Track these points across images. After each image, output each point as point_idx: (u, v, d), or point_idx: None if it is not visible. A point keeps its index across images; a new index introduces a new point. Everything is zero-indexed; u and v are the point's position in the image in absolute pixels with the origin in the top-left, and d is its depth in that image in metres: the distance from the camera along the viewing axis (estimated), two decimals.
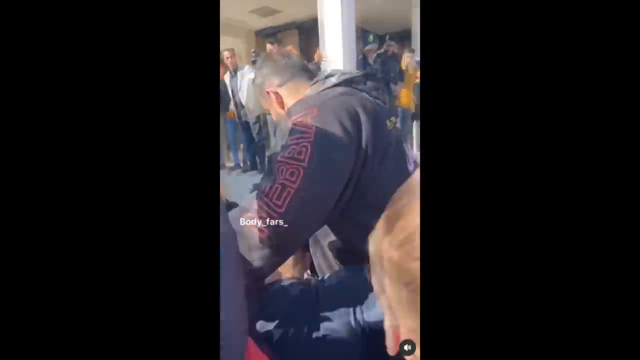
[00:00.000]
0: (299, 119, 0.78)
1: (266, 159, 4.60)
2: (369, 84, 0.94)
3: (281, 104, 0.98)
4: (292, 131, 0.78)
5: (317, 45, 4.71)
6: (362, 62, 4.77)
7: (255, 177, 4.25)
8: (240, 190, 3.10)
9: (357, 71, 0.99)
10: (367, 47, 4.84)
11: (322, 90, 0.89)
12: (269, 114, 1.06)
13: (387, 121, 0.90)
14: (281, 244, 0.74)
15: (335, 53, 4.58)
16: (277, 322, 0.72)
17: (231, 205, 0.90)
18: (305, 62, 1.06)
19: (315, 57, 4.33)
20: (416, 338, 0.26)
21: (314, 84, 0.94)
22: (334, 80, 0.91)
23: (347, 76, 0.92)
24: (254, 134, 4.65)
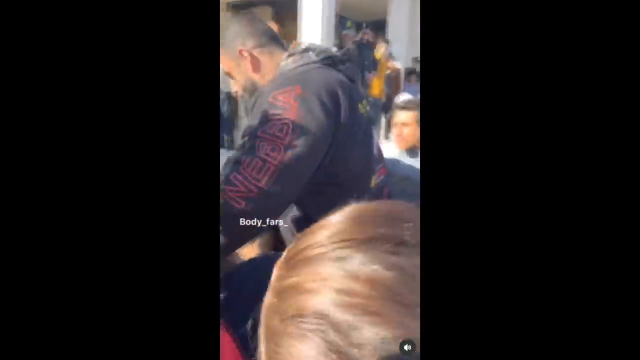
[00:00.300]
0: (282, 95, 0.78)
1: (233, 135, 4.50)
2: (348, 65, 0.94)
3: (256, 67, 0.95)
4: (272, 106, 0.77)
5: (292, 22, 4.62)
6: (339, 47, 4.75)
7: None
8: None
9: (336, 50, 0.98)
10: (345, 32, 4.81)
11: (301, 65, 0.88)
12: (232, 77, 0.99)
13: (359, 104, 0.91)
14: (258, 217, 0.74)
15: (313, 37, 4.53)
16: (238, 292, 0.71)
17: None
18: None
19: (292, 46, 4.25)
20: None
21: (290, 55, 0.93)
22: (313, 56, 0.90)
23: (327, 54, 0.91)
24: (222, 111, 4.55)
